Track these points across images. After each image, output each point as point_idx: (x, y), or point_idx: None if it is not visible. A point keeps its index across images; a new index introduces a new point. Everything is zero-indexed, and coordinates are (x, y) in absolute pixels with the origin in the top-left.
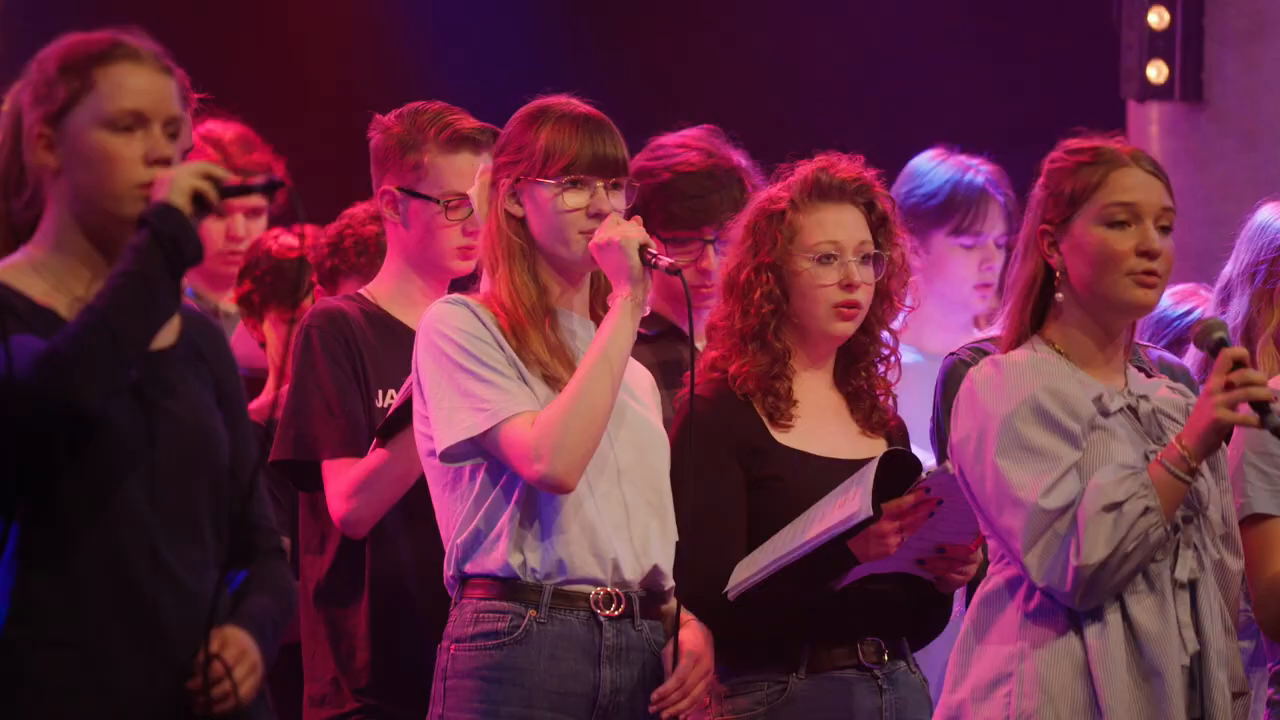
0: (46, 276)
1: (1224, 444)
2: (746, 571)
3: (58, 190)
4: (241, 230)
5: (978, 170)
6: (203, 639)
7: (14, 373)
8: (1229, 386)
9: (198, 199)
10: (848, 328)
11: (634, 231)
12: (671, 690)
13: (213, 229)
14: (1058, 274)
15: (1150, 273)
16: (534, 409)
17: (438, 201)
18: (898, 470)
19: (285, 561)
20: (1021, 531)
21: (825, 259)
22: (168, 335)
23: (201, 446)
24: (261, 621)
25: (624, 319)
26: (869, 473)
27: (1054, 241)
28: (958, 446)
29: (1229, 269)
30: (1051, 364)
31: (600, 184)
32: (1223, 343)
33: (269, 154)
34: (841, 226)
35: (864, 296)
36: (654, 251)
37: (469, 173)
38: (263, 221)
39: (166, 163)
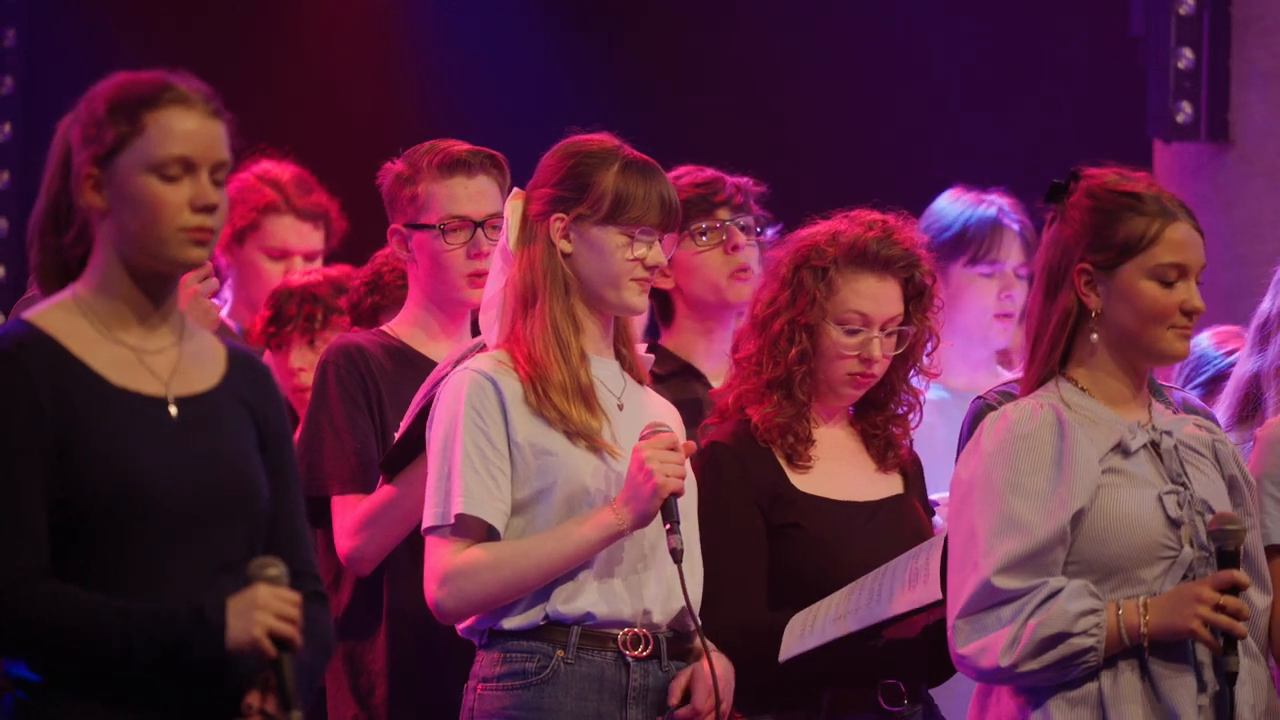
0: (90, 317)
1: (1246, 473)
2: (801, 634)
3: (104, 230)
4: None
5: (991, 202)
6: (246, 688)
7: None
8: (1220, 608)
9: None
10: (857, 395)
11: (677, 476)
12: (683, 718)
13: (271, 270)
14: (1093, 314)
15: (1188, 326)
16: (494, 521)
17: (436, 228)
18: None
19: (325, 606)
20: (966, 597)
21: (852, 331)
22: (210, 376)
23: (240, 491)
24: (301, 675)
25: (599, 535)
26: (935, 555)
27: (1091, 281)
28: (952, 485)
29: (1267, 306)
30: (1074, 406)
31: (660, 237)
32: (1233, 558)
33: (326, 196)
34: (875, 300)
35: (881, 368)
36: (677, 518)
37: (464, 196)
38: (319, 264)
39: (211, 210)
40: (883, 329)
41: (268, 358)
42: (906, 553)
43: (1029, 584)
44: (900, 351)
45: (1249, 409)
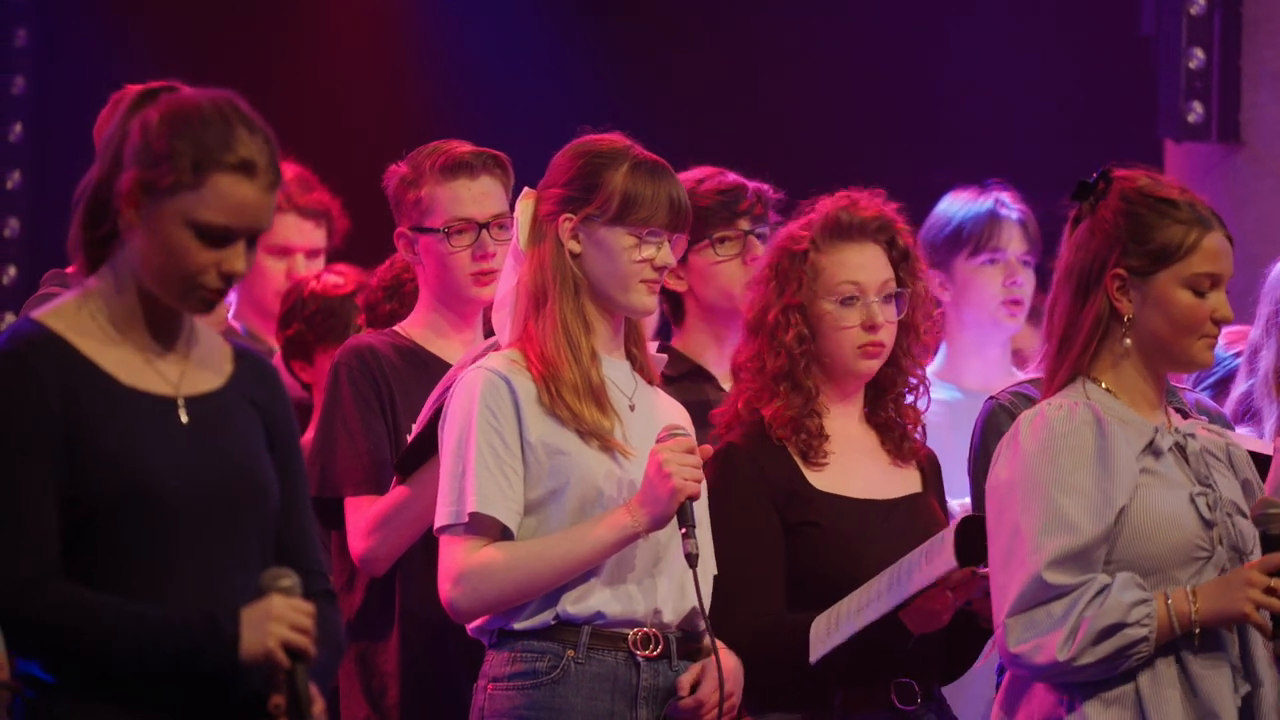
0: (100, 317)
1: (1257, 479)
2: (827, 633)
3: (130, 241)
4: (302, 270)
5: (987, 195)
6: (263, 693)
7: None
8: (1270, 591)
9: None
10: (872, 366)
11: (694, 480)
12: (689, 709)
13: (274, 268)
14: (1126, 319)
15: (1217, 335)
16: (506, 521)
17: (441, 231)
18: (973, 535)
19: (335, 605)
20: (1015, 594)
21: (848, 300)
22: (218, 376)
23: (249, 490)
24: (314, 675)
25: (614, 537)
26: (950, 530)
27: (1125, 287)
28: (990, 487)
29: (1256, 335)
30: (1102, 407)
31: (669, 238)
32: (1277, 541)
33: (327, 194)
34: (863, 267)
35: (887, 335)
36: (693, 522)
37: (468, 198)
38: (321, 261)
39: (234, 279)
40: (878, 294)
41: (278, 360)
42: (922, 544)
43: (1079, 580)
44: (901, 318)
45: (1244, 423)
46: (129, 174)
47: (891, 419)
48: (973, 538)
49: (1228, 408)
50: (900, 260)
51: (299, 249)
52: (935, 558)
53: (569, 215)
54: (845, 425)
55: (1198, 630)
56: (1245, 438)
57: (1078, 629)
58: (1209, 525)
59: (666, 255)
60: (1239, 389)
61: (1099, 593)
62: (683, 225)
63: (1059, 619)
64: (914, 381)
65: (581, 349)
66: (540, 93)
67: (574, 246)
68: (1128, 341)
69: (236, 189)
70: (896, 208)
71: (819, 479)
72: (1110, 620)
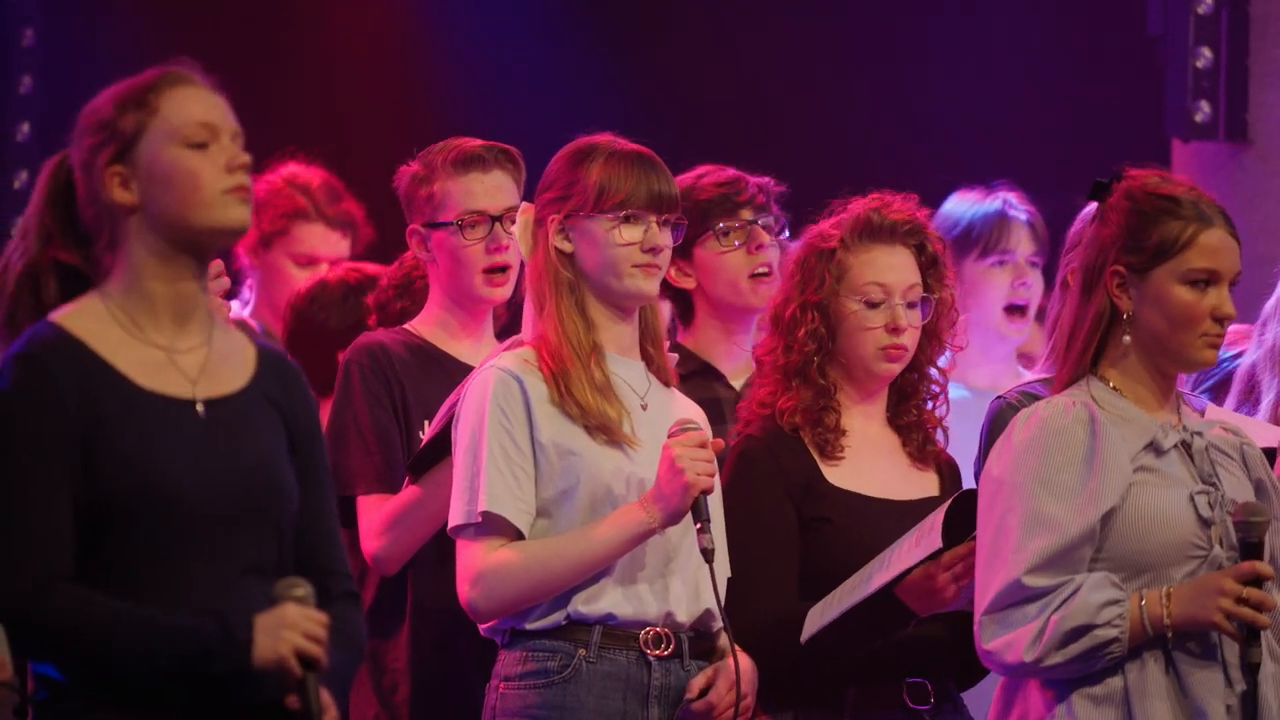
0: (119, 317)
1: (1272, 478)
2: (819, 617)
3: (135, 225)
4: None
5: (995, 196)
6: (275, 696)
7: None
8: (1241, 601)
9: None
10: (892, 369)
11: (707, 474)
12: (700, 711)
13: (297, 275)
14: (1125, 316)
15: (1219, 334)
16: (516, 522)
17: (454, 224)
18: (967, 511)
19: (358, 606)
20: (994, 593)
21: (873, 303)
22: (240, 376)
23: (266, 493)
24: (332, 677)
25: (629, 534)
26: (940, 511)
27: (1124, 284)
28: (982, 481)
29: (1270, 305)
30: (1105, 405)
31: (654, 219)
32: (1257, 549)
33: (354, 203)
34: (892, 269)
35: (910, 340)
36: (707, 516)
37: (480, 191)
38: None
39: (246, 168)
40: (904, 299)
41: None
42: (914, 527)
43: (1057, 581)
44: (926, 322)
45: (1248, 398)
46: (98, 163)
47: (914, 422)
48: (971, 512)
49: (1235, 384)
50: (929, 266)
51: (324, 258)
52: (924, 539)
53: (554, 216)
54: (866, 425)
55: (1170, 634)
56: (1258, 423)
57: (1045, 630)
58: (1206, 524)
59: (655, 235)
60: (1246, 362)
61: (1072, 595)
62: (665, 207)
63: (1030, 619)
64: (936, 389)
65: (582, 345)
66: (552, 97)
67: (563, 245)
68: (1127, 339)
69: (187, 93)
70: (928, 214)
71: (835, 475)
72: (1077, 622)
